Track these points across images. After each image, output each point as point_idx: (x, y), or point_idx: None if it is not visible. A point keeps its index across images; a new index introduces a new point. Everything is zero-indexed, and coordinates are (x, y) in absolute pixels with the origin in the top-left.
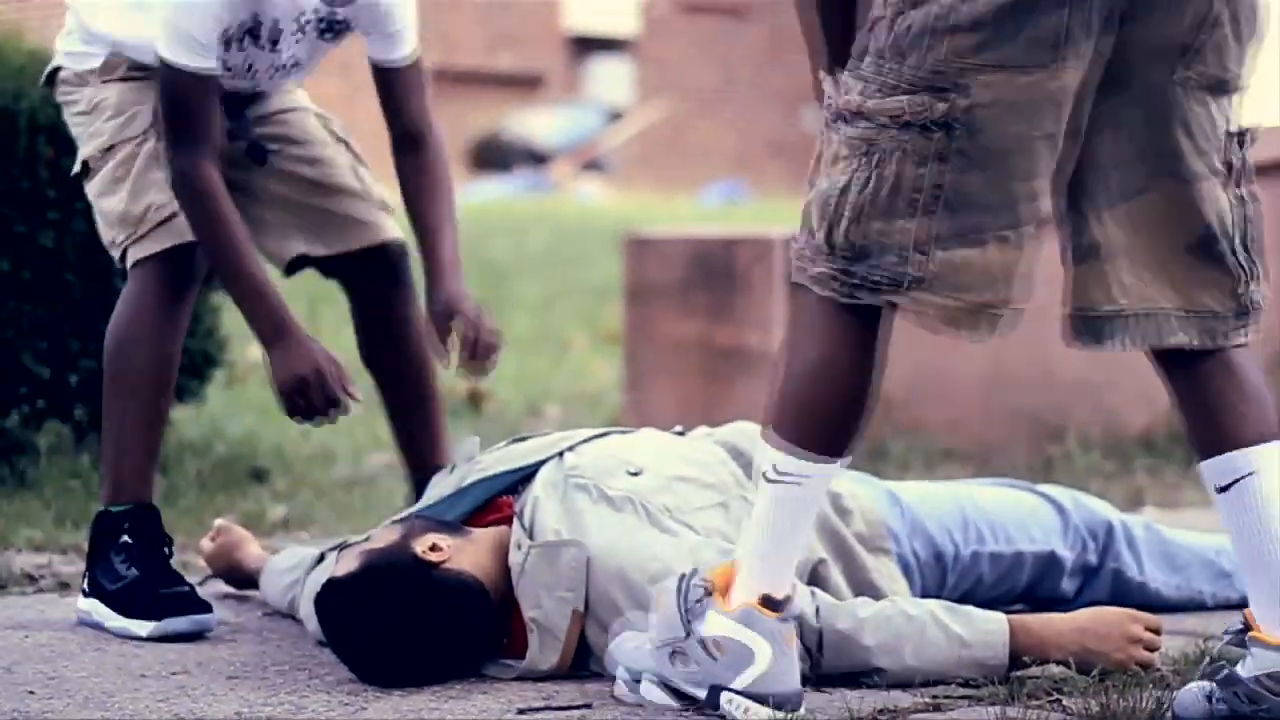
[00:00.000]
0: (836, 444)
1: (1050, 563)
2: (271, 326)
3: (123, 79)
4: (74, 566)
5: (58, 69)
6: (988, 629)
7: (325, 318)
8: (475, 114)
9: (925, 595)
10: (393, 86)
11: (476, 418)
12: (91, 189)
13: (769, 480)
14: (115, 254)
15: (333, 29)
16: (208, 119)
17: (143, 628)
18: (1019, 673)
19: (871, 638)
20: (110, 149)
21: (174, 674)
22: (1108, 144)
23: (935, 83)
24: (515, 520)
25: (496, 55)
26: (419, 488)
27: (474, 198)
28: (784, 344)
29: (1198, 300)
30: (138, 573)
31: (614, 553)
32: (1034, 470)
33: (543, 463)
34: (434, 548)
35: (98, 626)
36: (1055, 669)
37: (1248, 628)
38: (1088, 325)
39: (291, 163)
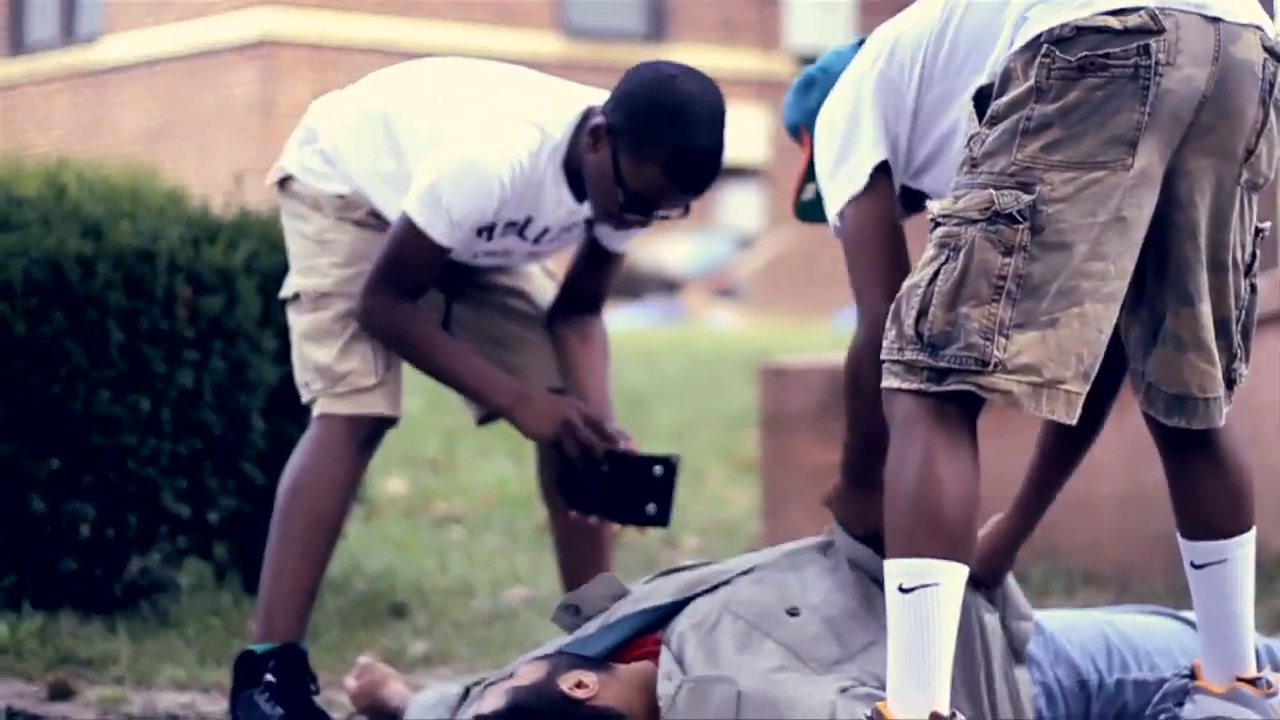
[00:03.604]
0: (958, 546)
1: None
2: (510, 396)
3: (359, 223)
4: (217, 705)
5: (289, 176)
6: None
7: (463, 450)
8: None
9: None
10: (599, 264)
11: (615, 548)
12: (297, 324)
13: (904, 592)
14: (305, 395)
15: (591, 225)
16: (422, 284)
17: None
18: None
19: None
20: (328, 296)
21: None
22: (1179, 246)
23: (1021, 178)
24: (665, 651)
25: None
26: None
27: (608, 327)
28: (886, 462)
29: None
30: (283, 711)
31: (765, 695)
32: (1175, 594)
33: (692, 597)
34: (580, 685)
35: None
36: None
37: (1194, 676)
38: (1178, 404)
39: (499, 293)
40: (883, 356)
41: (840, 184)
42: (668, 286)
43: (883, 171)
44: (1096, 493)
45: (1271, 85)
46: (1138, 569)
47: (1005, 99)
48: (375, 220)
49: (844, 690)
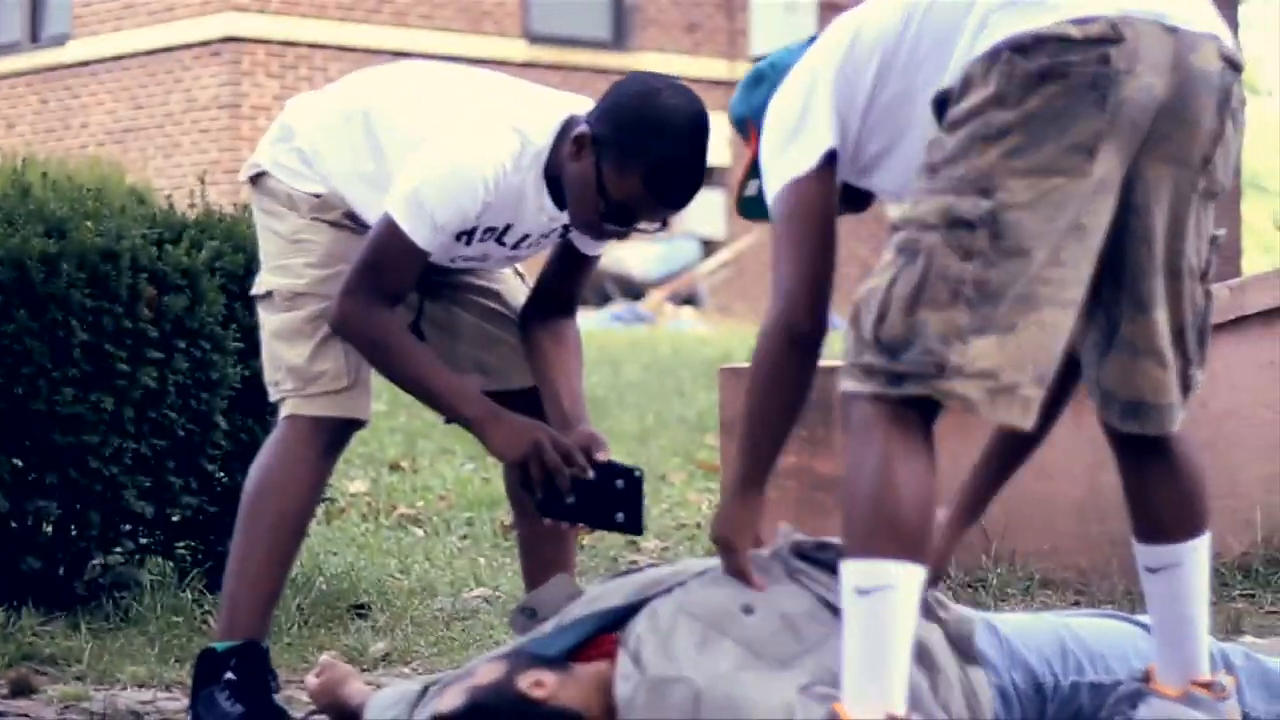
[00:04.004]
0: (915, 549)
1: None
2: (480, 411)
3: (334, 224)
4: (178, 702)
5: (263, 172)
6: None
7: (424, 451)
8: None
9: None
10: (572, 267)
11: (577, 550)
12: (269, 322)
13: (860, 594)
14: (273, 394)
15: (567, 230)
16: (401, 288)
17: None
18: None
19: None
20: (303, 295)
21: None
22: (1136, 253)
23: (981, 184)
24: (621, 652)
25: None
26: None
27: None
28: (846, 467)
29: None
30: (243, 709)
31: (723, 695)
32: (1132, 598)
33: (650, 598)
34: (538, 684)
35: None
36: None
37: (1148, 679)
38: (1132, 409)
39: (473, 293)
40: (841, 360)
41: (785, 164)
42: (630, 290)
43: (829, 161)
44: (1055, 496)
45: (1229, 94)
46: (1096, 573)
47: (965, 105)
48: (351, 222)
49: (803, 688)
